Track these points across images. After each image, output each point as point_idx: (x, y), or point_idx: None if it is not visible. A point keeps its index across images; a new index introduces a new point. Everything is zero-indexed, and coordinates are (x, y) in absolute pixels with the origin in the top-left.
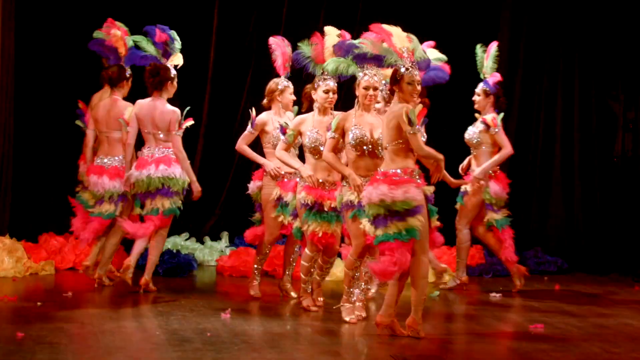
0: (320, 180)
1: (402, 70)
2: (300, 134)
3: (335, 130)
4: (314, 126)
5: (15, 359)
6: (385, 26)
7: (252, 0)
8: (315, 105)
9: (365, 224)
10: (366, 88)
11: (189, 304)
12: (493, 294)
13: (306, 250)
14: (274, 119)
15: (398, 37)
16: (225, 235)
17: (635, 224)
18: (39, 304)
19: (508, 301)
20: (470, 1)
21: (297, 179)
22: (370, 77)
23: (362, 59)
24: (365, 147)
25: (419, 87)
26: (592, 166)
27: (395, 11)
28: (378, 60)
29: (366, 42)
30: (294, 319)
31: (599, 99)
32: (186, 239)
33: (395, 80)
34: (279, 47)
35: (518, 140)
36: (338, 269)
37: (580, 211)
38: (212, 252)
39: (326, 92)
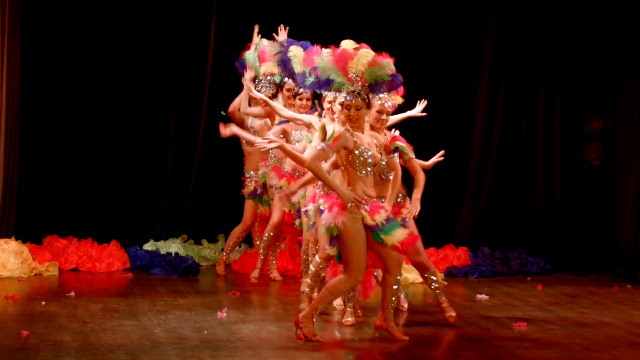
0: None
1: (344, 93)
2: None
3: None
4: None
5: (20, 356)
6: (348, 51)
7: (248, 11)
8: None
9: None
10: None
11: (187, 304)
12: (479, 295)
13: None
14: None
15: (359, 60)
16: (222, 237)
17: (613, 227)
18: (43, 303)
19: (493, 301)
20: (456, 15)
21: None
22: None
23: (316, 84)
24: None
25: (354, 112)
26: (572, 173)
27: (384, 24)
28: (327, 85)
29: (320, 67)
30: (288, 318)
31: (579, 109)
32: (185, 241)
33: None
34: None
35: (502, 148)
36: None
37: (561, 215)
38: (209, 254)
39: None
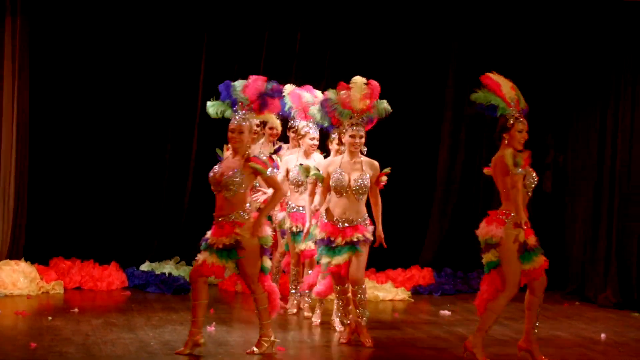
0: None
1: (512, 120)
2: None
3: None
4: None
5: None
6: (494, 76)
7: (235, 54)
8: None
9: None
10: (352, 136)
11: (179, 319)
12: (442, 311)
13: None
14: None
15: (505, 87)
16: None
17: (564, 250)
18: (49, 318)
19: (455, 316)
20: (420, 56)
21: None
22: (357, 127)
23: (480, 108)
24: (343, 190)
25: (526, 135)
26: (529, 199)
27: (359, 70)
28: (493, 110)
29: (479, 94)
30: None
31: (532, 142)
32: (177, 262)
33: (505, 128)
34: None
35: (463, 181)
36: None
37: None
38: None
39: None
